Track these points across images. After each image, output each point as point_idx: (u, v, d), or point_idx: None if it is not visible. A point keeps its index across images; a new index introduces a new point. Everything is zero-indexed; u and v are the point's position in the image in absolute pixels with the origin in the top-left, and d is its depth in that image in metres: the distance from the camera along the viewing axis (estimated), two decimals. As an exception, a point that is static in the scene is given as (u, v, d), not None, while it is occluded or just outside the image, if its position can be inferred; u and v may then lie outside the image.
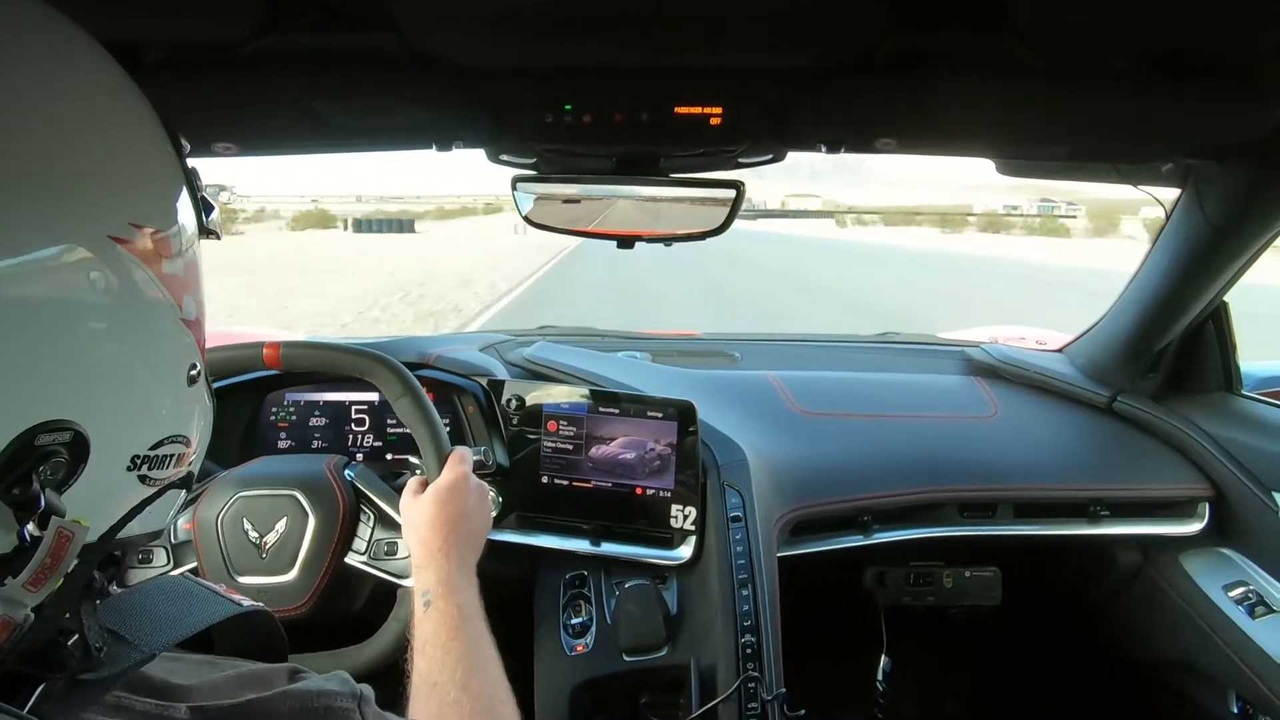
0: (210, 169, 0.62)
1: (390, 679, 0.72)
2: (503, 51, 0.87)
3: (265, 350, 0.99)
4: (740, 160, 1.07)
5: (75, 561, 0.41)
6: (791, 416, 1.44)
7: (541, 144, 1.00)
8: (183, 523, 0.98)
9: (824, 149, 1.01)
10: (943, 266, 22.94)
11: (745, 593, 1.06)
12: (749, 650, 1.02)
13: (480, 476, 0.93)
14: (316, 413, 1.33)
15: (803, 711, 0.97)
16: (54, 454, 0.39)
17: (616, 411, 1.18)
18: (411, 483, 0.90)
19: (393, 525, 0.98)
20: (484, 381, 1.26)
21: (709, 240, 1.09)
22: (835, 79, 0.90)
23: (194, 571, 0.97)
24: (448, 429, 1.00)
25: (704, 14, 0.77)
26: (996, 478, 1.37)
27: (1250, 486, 1.29)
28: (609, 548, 1.16)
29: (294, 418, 1.33)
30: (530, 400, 1.21)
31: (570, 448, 1.19)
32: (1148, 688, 1.53)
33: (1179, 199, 1.23)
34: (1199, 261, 1.24)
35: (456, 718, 0.65)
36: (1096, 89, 0.86)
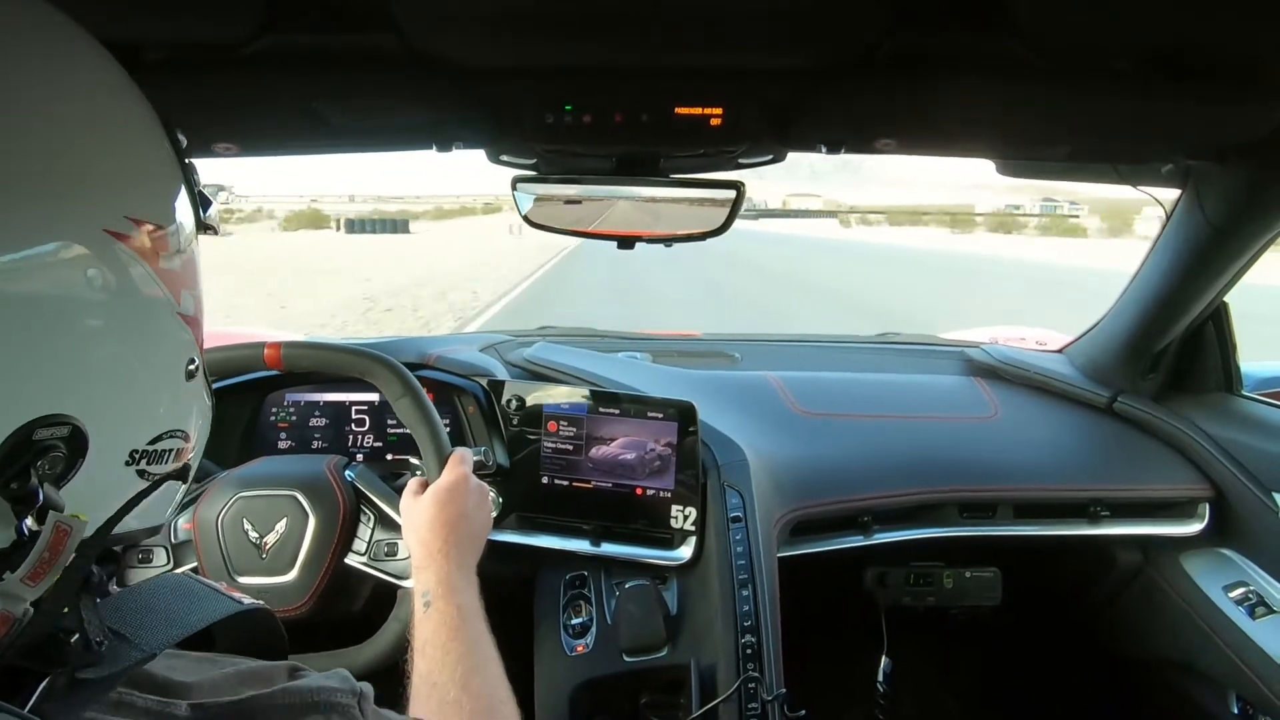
0: (211, 169, 0.62)
1: (390, 679, 0.72)
2: (503, 51, 0.87)
3: (266, 350, 0.99)
4: (740, 161, 1.07)
5: (73, 556, 0.41)
6: (792, 417, 1.44)
7: (541, 144, 1.00)
8: (183, 523, 0.98)
9: (824, 149, 1.01)
10: (954, 268, 22.50)
11: (745, 593, 1.06)
12: (749, 650, 1.02)
13: (480, 477, 0.93)
14: (317, 413, 1.33)
15: (803, 712, 0.97)
16: (52, 449, 0.39)
17: (617, 412, 1.18)
18: (412, 483, 0.90)
19: (393, 526, 0.98)
20: (484, 382, 1.26)
21: (709, 240, 1.09)
22: (835, 79, 0.90)
23: (194, 571, 0.97)
24: (448, 429, 1.00)
25: (704, 14, 0.77)
26: (997, 478, 1.37)
27: (1250, 487, 1.29)
28: (609, 548, 1.16)
29: (294, 418, 1.33)
30: (530, 400, 1.21)
31: (570, 448, 1.19)
32: (1148, 688, 1.53)
33: (1179, 199, 1.23)
34: (1199, 262, 1.24)
35: (456, 718, 0.65)
36: (1097, 89, 0.86)
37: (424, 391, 0.99)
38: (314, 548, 0.95)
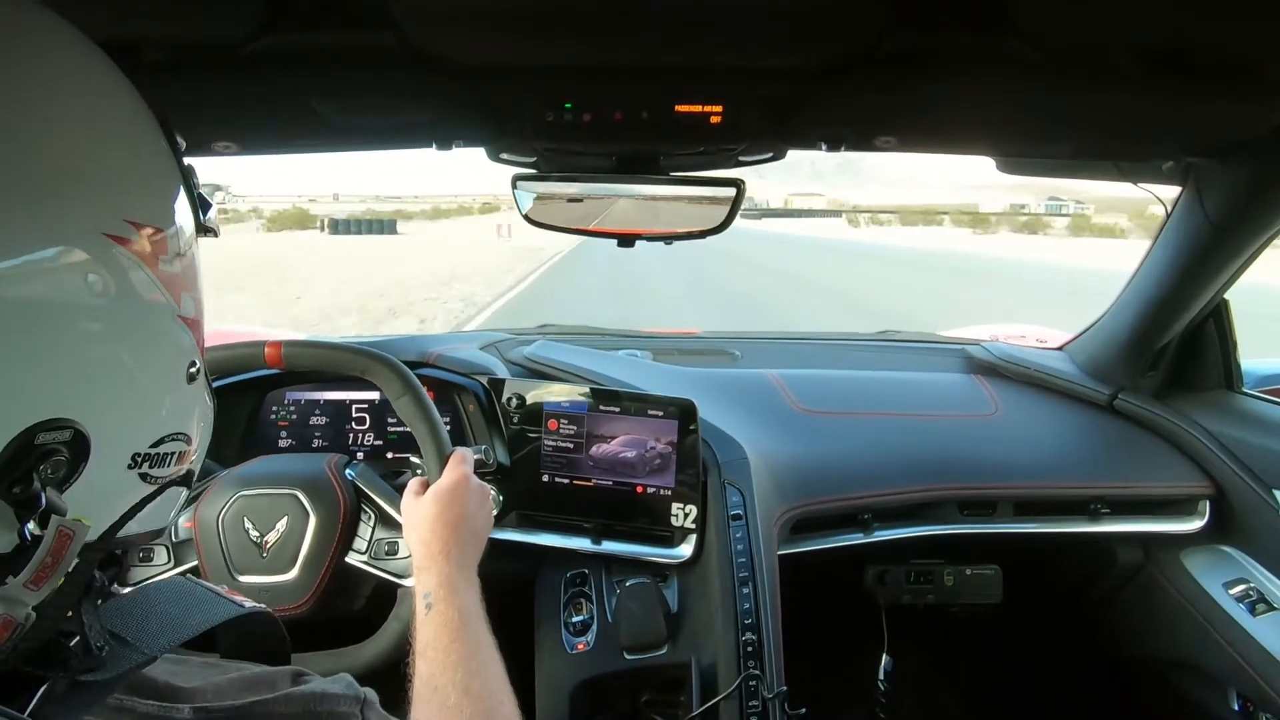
0: (207, 168, 0.62)
1: (391, 679, 0.72)
2: (502, 50, 0.87)
3: (266, 349, 0.99)
4: (740, 159, 1.07)
5: (76, 560, 0.41)
6: (792, 415, 1.44)
7: (542, 143, 1.00)
8: (183, 522, 0.98)
9: (824, 147, 1.01)
10: (993, 273, 20.00)
11: (746, 591, 1.06)
12: (750, 648, 1.02)
13: (481, 475, 0.93)
14: (317, 412, 1.33)
15: (803, 710, 0.97)
16: (54, 453, 0.39)
17: (617, 410, 1.18)
18: (413, 484, 0.90)
19: (393, 525, 0.98)
20: (484, 380, 1.26)
21: (710, 239, 1.09)
22: (836, 77, 0.89)
23: (195, 570, 0.97)
24: (448, 428, 1.00)
25: (704, 13, 0.77)
26: (997, 475, 1.37)
27: (1251, 484, 1.29)
28: (610, 546, 1.16)
29: (294, 417, 1.33)
30: (531, 399, 1.21)
31: (571, 446, 1.19)
32: (1148, 685, 1.53)
33: (1180, 197, 1.23)
34: (1199, 260, 1.24)
35: None
36: (1097, 87, 0.86)
37: (424, 390, 0.99)
38: (315, 547, 0.96)
